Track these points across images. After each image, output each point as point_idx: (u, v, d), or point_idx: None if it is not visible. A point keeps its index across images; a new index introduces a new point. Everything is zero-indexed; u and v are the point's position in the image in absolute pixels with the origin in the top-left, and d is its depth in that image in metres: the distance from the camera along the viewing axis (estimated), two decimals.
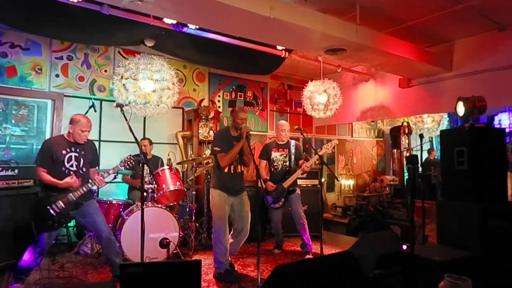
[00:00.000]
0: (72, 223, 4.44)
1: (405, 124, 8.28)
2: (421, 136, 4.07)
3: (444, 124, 7.65)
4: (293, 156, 4.35)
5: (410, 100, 5.88)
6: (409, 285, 2.18)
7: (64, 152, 3.17)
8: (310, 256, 4.20)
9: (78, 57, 5.01)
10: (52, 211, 3.00)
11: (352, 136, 8.37)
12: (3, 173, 3.52)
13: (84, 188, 3.14)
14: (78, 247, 4.12)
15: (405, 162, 7.97)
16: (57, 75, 4.83)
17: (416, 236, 4.57)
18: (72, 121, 3.21)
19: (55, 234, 3.26)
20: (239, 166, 3.58)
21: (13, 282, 3.12)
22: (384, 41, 4.47)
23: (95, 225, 3.21)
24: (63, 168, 3.15)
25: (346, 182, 7.89)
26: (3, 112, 4.51)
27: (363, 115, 6.67)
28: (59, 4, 3.42)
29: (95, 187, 3.53)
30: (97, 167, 3.47)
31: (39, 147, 4.62)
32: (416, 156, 2.29)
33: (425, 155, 7.83)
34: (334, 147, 4.62)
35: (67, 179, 3.09)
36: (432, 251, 2.74)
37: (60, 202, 3.04)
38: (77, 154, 3.23)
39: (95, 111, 4.54)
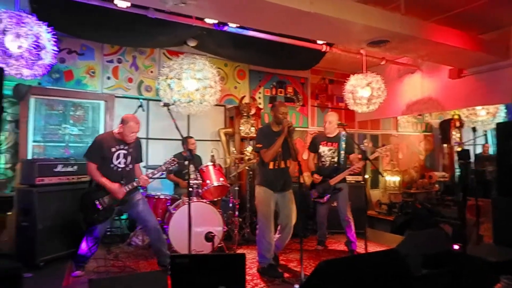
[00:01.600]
0: (124, 216, 4.72)
1: (456, 117, 7.79)
2: (474, 129, 3.84)
3: (501, 116, 7.10)
4: (342, 152, 4.20)
5: (461, 92, 5.54)
6: (460, 286, 2.09)
7: (113, 149, 3.31)
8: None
9: (127, 60, 5.30)
10: (99, 205, 3.20)
11: (397, 130, 8.05)
12: (64, 169, 3.86)
13: (130, 186, 3.30)
14: (130, 238, 4.40)
15: (456, 158, 7.53)
16: (108, 78, 5.15)
17: (469, 236, 4.33)
18: (123, 121, 3.35)
19: (106, 225, 3.46)
20: (283, 162, 3.55)
21: (74, 269, 3.40)
22: (432, 30, 4.25)
23: (141, 215, 3.37)
24: (111, 165, 3.30)
25: (391, 178, 7.61)
26: (62, 113, 4.90)
27: (409, 109, 6.39)
28: (109, 11, 3.64)
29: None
30: (140, 163, 3.63)
31: None
32: (468, 150, 2.18)
33: (478, 150, 7.34)
34: (388, 150, 4.41)
35: (116, 187, 3.23)
36: (487, 252, 2.60)
37: (106, 197, 3.24)
38: (125, 152, 3.37)
39: (143, 110, 4.79)
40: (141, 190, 4.22)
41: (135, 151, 3.49)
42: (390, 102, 6.08)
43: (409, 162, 8.13)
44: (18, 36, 2.79)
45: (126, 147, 3.38)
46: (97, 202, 3.21)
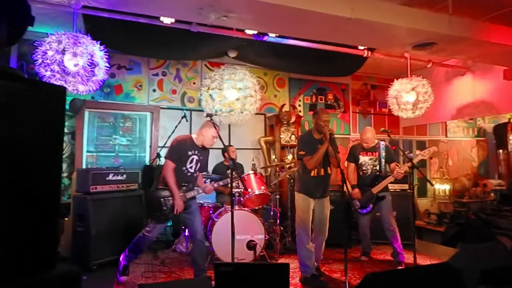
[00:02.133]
0: (169, 223, 4.88)
1: None
2: None
3: None
4: (383, 160, 4.10)
5: None
6: None
7: (190, 152, 3.35)
8: (402, 267, 3.94)
9: (171, 73, 5.53)
10: (164, 204, 3.26)
11: (446, 136, 7.62)
12: (114, 177, 4.08)
13: (193, 193, 3.38)
14: (175, 245, 4.53)
15: None
16: (154, 90, 5.41)
17: None
18: (206, 126, 3.39)
19: (162, 228, 3.51)
20: (323, 169, 3.53)
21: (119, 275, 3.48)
22: (483, 30, 4.01)
23: (193, 224, 3.41)
24: (183, 168, 3.32)
25: (441, 187, 7.20)
26: (113, 125, 5.21)
27: (459, 113, 6.04)
28: (155, 27, 3.85)
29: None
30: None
31: (142, 154, 5.34)
32: None
33: None
34: (432, 153, 4.22)
35: (180, 201, 3.26)
36: None
37: (171, 199, 3.27)
38: (197, 158, 3.41)
39: (186, 121, 4.95)
40: None
41: (205, 160, 3.53)
42: (438, 107, 5.78)
43: (460, 169, 7.65)
44: (75, 55, 3.03)
45: (199, 154, 3.43)
46: (162, 201, 3.27)
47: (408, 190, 4.95)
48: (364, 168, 4.19)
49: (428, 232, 6.11)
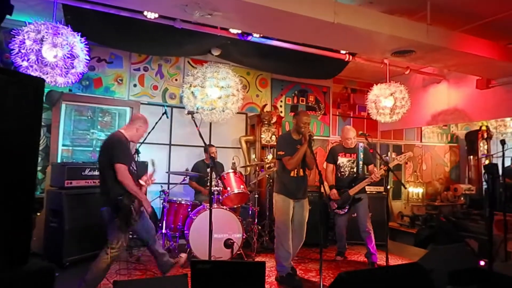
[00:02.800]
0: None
1: (483, 128, 7.56)
2: (503, 142, 3.71)
3: None
4: (361, 162, 4.22)
5: (489, 103, 5.38)
6: None
7: (132, 151, 3.13)
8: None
9: (153, 68, 5.46)
10: (133, 209, 3.00)
11: (421, 141, 7.88)
12: (91, 173, 4.00)
13: (147, 186, 3.22)
14: None
15: (483, 171, 7.28)
16: (134, 85, 5.32)
17: (497, 252, 4.17)
18: (140, 120, 3.13)
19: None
20: (301, 170, 3.56)
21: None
22: (459, 40, 4.17)
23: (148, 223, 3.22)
24: (131, 168, 3.00)
25: (415, 190, 7.44)
26: (91, 119, 5.09)
27: (434, 119, 6.26)
28: (138, 21, 3.79)
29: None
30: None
31: None
32: (495, 165, 2.12)
33: (508, 162, 7.06)
34: (407, 159, 4.36)
35: (148, 201, 3.06)
36: None
37: (136, 201, 3.06)
38: (135, 154, 3.31)
39: (167, 117, 4.89)
40: (163, 195, 4.32)
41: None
42: (415, 112, 5.97)
43: (433, 174, 7.92)
44: (54, 46, 2.95)
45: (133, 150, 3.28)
46: (132, 206, 2.95)
47: (383, 193, 5.09)
48: (342, 170, 4.28)
49: (401, 234, 6.29)
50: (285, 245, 3.46)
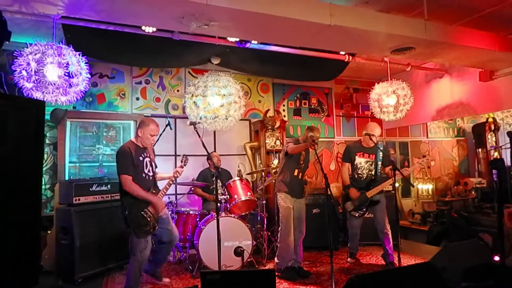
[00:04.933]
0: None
1: (490, 120, 7.47)
2: (510, 134, 3.65)
3: None
4: (379, 163, 4.13)
5: (494, 94, 5.33)
6: None
7: (141, 158, 3.21)
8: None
9: (154, 80, 5.51)
10: (146, 216, 3.12)
11: (427, 136, 7.81)
12: (98, 188, 4.03)
13: (168, 187, 3.30)
14: None
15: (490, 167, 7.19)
16: (137, 98, 5.37)
17: (510, 246, 4.10)
18: (141, 124, 3.26)
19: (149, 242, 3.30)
20: (301, 174, 3.95)
21: None
22: (458, 34, 4.14)
23: (171, 232, 3.42)
24: (143, 174, 3.18)
25: (424, 187, 7.35)
26: (96, 134, 5.14)
27: (439, 114, 6.20)
28: (137, 36, 3.83)
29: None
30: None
31: None
32: (501, 159, 2.09)
33: None
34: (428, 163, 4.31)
35: (158, 199, 3.18)
36: None
37: (150, 207, 3.16)
38: (148, 159, 3.31)
39: (170, 128, 4.91)
40: (171, 207, 4.33)
41: (153, 157, 3.42)
42: (419, 108, 5.94)
43: (442, 169, 7.84)
44: (55, 65, 2.99)
45: (148, 155, 3.33)
46: (143, 214, 3.11)
47: (392, 191, 5.04)
48: (359, 172, 4.18)
49: (412, 232, 6.22)
50: (287, 239, 3.77)
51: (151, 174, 3.31)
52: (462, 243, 3.16)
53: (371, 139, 3.97)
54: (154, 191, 3.27)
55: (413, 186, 7.24)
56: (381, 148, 4.11)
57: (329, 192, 3.08)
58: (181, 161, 3.58)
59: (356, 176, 4.19)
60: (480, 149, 7.64)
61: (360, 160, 4.17)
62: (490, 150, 7.42)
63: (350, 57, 4.90)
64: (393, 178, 3.83)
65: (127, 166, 3.08)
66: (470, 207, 6.64)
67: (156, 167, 3.49)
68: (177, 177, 3.47)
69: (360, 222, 4.28)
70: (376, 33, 3.67)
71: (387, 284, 1.89)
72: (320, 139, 4.00)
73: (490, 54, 4.44)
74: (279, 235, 3.87)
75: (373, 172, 4.14)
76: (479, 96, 5.56)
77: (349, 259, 4.40)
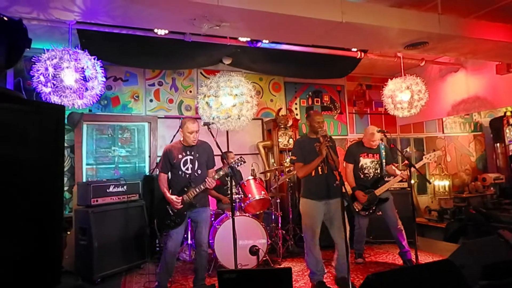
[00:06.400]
0: None
1: (508, 114, 7.29)
2: None
3: None
4: (384, 161, 4.12)
5: (511, 87, 5.20)
6: None
7: (180, 156, 3.40)
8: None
9: (167, 82, 5.57)
10: (170, 211, 3.32)
11: (443, 132, 7.66)
12: (115, 189, 4.10)
13: (197, 189, 3.31)
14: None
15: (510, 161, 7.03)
16: (151, 100, 5.44)
17: None
18: (180, 125, 3.47)
19: (180, 237, 3.42)
20: (326, 167, 3.35)
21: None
22: (473, 27, 4.06)
23: (200, 236, 3.43)
24: (180, 172, 3.39)
25: (440, 183, 7.23)
26: (111, 136, 5.23)
27: (455, 109, 6.09)
28: (149, 38, 3.89)
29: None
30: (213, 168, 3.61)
31: (141, 165, 5.36)
32: None
33: None
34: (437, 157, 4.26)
35: (172, 198, 3.29)
36: None
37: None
38: (191, 157, 3.42)
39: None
40: None
41: (204, 156, 3.49)
42: (434, 104, 5.83)
43: (458, 165, 7.69)
44: (72, 70, 3.06)
45: (192, 153, 3.43)
46: (167, 208, 3.34)
47: (407, 188, 4.98)
48: (366, 172, 4.16)
49: (429, 229, 6.13)
50: (313, 251, 3.37)
51: (189, 172, 3.39)
52: (481, 240, 3.09)
53: (385, 136, 3.97)
54: (186, 189, 3.35)
55: (430, 183, 7.13)
56: (383, 148, 4.14)
57: (343, 190, 3.03)
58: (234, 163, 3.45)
59: (362, 176, 4.16)
60: (498, 144, 7.47)
61: (365, 161, 4.16)
62: (509, 144, 7.25)
63: (362, 54, 4.86)
64: (408, 175, 3.84)
65: (161, 164, 3.46)
66: (488, 203, 6.50)
67: (213, 165, 3.58)
68: (209, 187, 3.40)
69: (367, 222, 4.25)
70: (389, 29, 3.63)
71: (405, 282, 1.87)
72: (333, 137, 3.93)
73: (507, 46, 4.32)
74: (304, 247, 3.48)
75: (379, 171, 4.14)
76: (496, 90, 5.43)
77: (359, 259, 4.30)
